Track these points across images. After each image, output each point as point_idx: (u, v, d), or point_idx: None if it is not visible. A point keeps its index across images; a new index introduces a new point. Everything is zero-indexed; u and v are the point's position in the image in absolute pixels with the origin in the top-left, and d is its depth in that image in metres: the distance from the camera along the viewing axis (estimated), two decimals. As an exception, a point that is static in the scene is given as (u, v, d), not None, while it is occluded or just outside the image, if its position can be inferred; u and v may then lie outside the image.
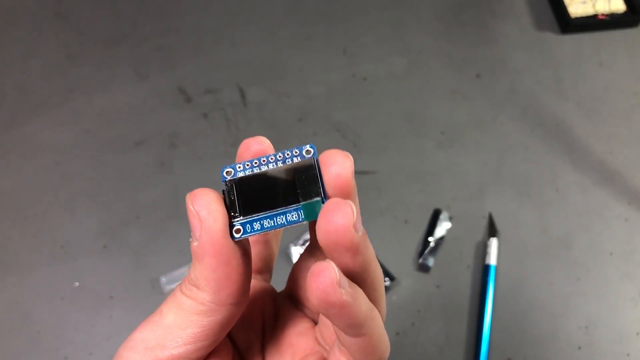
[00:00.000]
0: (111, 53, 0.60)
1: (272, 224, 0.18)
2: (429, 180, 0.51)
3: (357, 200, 0.19)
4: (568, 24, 0.59)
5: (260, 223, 0.18)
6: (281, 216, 0.18)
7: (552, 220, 0.48)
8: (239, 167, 0.19)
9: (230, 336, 0.22)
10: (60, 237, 0.48)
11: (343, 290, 0.16)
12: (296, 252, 0.46)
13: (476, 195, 0.50)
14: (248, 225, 0.18)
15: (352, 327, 0.17)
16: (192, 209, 0.17)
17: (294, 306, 0.23)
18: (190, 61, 0.59)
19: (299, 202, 0.18)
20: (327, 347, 0.21)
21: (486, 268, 0.45)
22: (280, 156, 0.19)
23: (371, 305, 0.18)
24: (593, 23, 0.59)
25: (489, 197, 0.50)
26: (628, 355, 0.43)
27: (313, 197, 0.18)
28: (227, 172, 0.19)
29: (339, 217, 0.16)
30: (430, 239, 0.47)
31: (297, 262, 0.22)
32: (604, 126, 0.54)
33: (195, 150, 0.53)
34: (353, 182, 0.18)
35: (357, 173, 0.50)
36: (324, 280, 0.16)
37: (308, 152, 0.18)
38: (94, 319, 0.45)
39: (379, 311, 0.19)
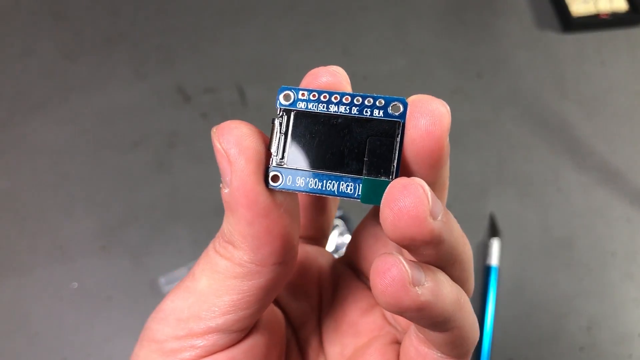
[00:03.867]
0: (109, 52, 0.59)
1: (320, 187, 0.14)
2: (429, 180, 0.50)
3: (447, 168, 0.15)
4: (570, 23, 0.59)
5: (305, 180, 0.14)
6: (333, 182, 0.14)
7: (553, 221, 0.48)
8: (302, 94, 0.14)
9: (282, 308, 0.19)
10: (58, 238, 0.48)
11: (419, 290, 0.13)
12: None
13: (477, 196, 0.49)
14: (290, 177, 0.14)
15: (437, 325, 0.14)
16: (219, 146, 0.14)
17: (356, 276, 0.19)
18: (189, 60, 0.59)
19: (361, 174, 0.14)
20: (399, 327, 0.18)
21: (488, 269, 0.45)
22: (358, 100, 0.14)
23: (459, 292, 0.14)
24: (595, 22, 0.59)
25: (491, 197, 0.49)
26: (630, 356, 0.42)
27: (380, 175, 0.14)
28: (284, 96, 0.14)
29: (408, 206, 0.12)
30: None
31: (359, 226, 0.19)
32: (606, 126, 0.54)
33: (194, 150, 0.53)
34: (447, 145, 0.14)
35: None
36: (393, 282, 0.12)
37: (396, 108, 0.14)
38: (93, 320, 0.44)
39: (468, 291, 0.16)
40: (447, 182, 0.16)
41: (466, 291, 0.15)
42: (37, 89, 0.57)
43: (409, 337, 0.16)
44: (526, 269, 0.46)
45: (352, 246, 0.19)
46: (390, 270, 0.12)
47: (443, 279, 0.14)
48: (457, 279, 0.15)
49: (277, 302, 0.19)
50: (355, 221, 0.47)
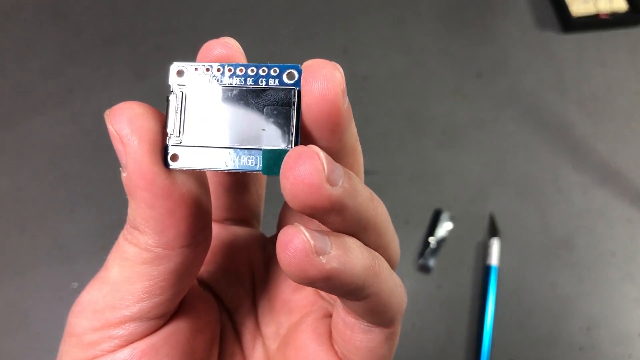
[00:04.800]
0: (110, 52, 0.59)
1: (220, 163, 0.13)
2: (429, 180, 0.50)
3: (353, 128, 0.14)
4: (570, 23, 0.59)
5: (205, 156, 0.13)
6: (233, 156, 0.13)
7: (553, 221, 0.48)
8: (195, 68, 0.14)
9: (214, 292, 0.18)
10: (58, 238, 0.48)
11: (323, 259, 0.12)
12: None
13: (477, 196, 0.49)
14: (189, 155, 0.13)
15: (350, 293, 0.13)
16: (112, 128, 0.13)
17: None
18: (189, 60, 0.59)
19: (261, 146, 0.13)
20: (332, 301, 0.18)
21: (487, 269, 0.45)
22: (252, 71, 0.14)
23: (371, 257, 0.14)
24: (595, 22, 0.59)
25: (490, 197, 0.49)
26: (630, 356, 0.42)
27: (278, 144, 0.13)
28: (177, 72, 0.14)
29: (303, 174, 0.12)
30: (431, 239, 0.47)
31: (285, 203, 0.18)
32: (606, 126, 0.54)
33: (194, 150, 0.53)
34: (345, 106, 0.13)
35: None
36: (295, 253, 0.12)
37: (291, 76, 0.13)
38: (93, 320, 0.44)
39: (389, 257, 0.15)
40: (359, 147, 0.15)
41: (387, 258, 0.15)
42: (37, 89, 0.57)
43: (336, 309, 0.16)
44: (526, 269, 0.46)
45: (281, 222, 0.19)
46: (292, 241, 0.12)
47: (353, 245, 0.13)
48: (374, 244, 0.14)
49: (209, 287, 0.18)
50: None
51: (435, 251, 0.46)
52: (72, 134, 0.54)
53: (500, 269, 0.45)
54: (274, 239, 0.19)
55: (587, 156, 0.52)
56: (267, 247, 0.20)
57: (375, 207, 0.14)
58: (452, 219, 0.48)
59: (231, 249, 0.19)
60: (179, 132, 0.13)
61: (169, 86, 0.14)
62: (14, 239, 0.48)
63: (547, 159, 0.52)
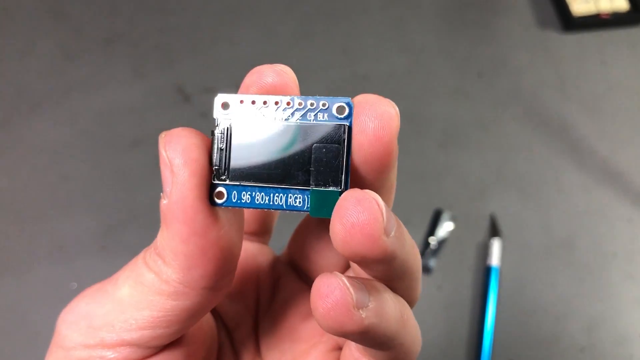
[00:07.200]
0: (109, 52, 0.59)
1: (267, 201, 0.13)
2: (430, 181, 0.50)
3: (395, 171, 0.13)
4: (570, 23, 0.59)
5: (251, 195, 0.13)
6: (281, 195, 0.13)
7: (554, 221, 0.48)
8: (241, 101, 0.13)
9: (215, 308, 0.17)
10: (57, 238, 0.48)
11: (363, 313, 0.12)
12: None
13: (478, 196, 0.49)
14: (235, 192, 0.13)
15: (379, 344, 0.13)
16: (165, 154, 0.12)
17: (297, 277, 0.18)
18: (189, 60, 0.59)
19: (309, 186, 0.13)
20: None
21: (488, 269, 0.45)
22: (300, 104, 0.13)
23: (403, 307, 0.13)
24: (596, 22, 0.59)
25: (491, 197, 0.49)
26: (631, 356, 0.42)
27: (328, 185, 0.12)
28: (222, 104, 0.13)
29: (362, 223, 0.11)
30: (432, 239, 0.46)
31: (302, 222, 0.17)
32: (607, 125, 0.53)
33: (194, 150, 0.52)
34: (396, 148, 0.13)
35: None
36: (335, 306, 0.11)
37: (341, 110, 0.13)
38: (92, 320, 0.44)
39: (413, 299, 0.15)
40: (395, 184, 0.15)
41: (412, 300, 0.15)
42: (37, 89, 0.57)
43: (348, 345, 0.15)
44: (527, 269, 0.46)
45: (294, 243, 0.18)
46: (333, 293, 0.11)
47: (386, 296, 0.13)
48: (405, 289, 0.14)
49: None
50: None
51: (435, 251, 0.46)
52: (72, 133, 0.54)
53: (501, 269, 0.45)
54: (284, 257, 0.19)
55: (588, 156, 0.52)
56: (276, 266, 0.19)
57: (415, 254, 0.14)
58: (452, 219, 0.48)
59: (239, 266, 0.18)
60: (225, 169, 0.13)
61: (215, 120, 0.13)
62: (14, 239, 0.48)
63: (547, 159, 0.51)
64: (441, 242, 0.46)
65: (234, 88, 0.61)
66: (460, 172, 0.51)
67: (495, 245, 0.46)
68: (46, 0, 0.63)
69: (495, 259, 0.45)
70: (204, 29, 0.61)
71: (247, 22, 0.61)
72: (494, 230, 0.47)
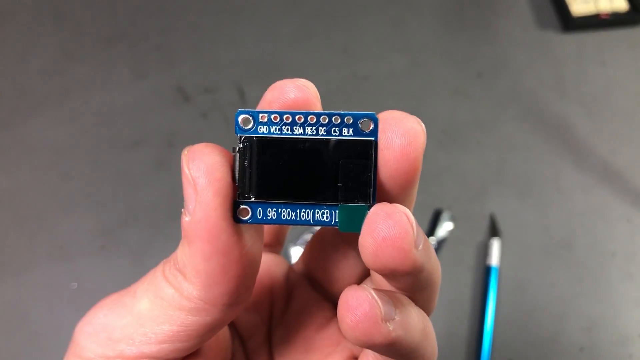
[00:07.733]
0: (109, 52, 0.59)
1: (294, 217, 0.13)
2: (429, 180, 0.50)
3: (416, 187, 0.14)
4: (570, 23, 0.59)
5: (276, 212, 0.13)
6: (307, 211, 0.13)
7: (554, 221, 0.48)
8: (263, 117, 0.13)
9: None
10: (58, 238, 0.48)
11: (390, 325, 0.12)
12: (296, 253, 0.46)
13: (478, 196, 0.49)
14: (260, 209, 0.13)
15: (402, 356, 0.13)
16: (188, 172, 0.12)
17: (312, 287, 0.18)
18: (189, 60, 0.59)
19: (337, 201, 0.13)
20: None
21: (488, 269, 0.45)
22: (324, 119, 0.13)
23: (424, 319, 0.14)
24: (595, 22, 0.59)
25: (491, 197, 0.49)
26: (630, 356, 0.42)
27: (357, 200, 0.13)
28: (243, 121, 0.13)
29: (393, 237, 0.11)
30: (431, 239, 0.46)
31: (318, 232, 0.17)
32: (607, 126, 0.53)
33: (194, 150, 0.52)
34: (421, 164, 0.13)
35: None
36: (364, 319, 0.11)
37: (366, 125, 0.13)
38: (92, 320, 0.44)
39: (430, 311, 0.15)
40: (415, 196, 0.15)
41: (429, 311, 0.15)
42: (37, 89, 0.57)
43: (365, 354, 0.15)
44: (526, 269, 0.46)
45: (309, 254, 0.18)
46: (361, 306, 0.12)
47: (410, 308, 0.13)
48: (425, 300, 0.14)
49: None
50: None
51: (435, 251, 0.46)
52: (72, 133, 0.54)
53: (500, 269, 0.45)
54: (298, 267, 0.19)
55: (588, 156, 0.52)
56: (290, 277, 0.19)
57: (438, 266, 0.14)
58: (452, 219, 0.48)
59: None
60: (249, 187, 0.13)
61: (238, 137, 0.13)
62: (13, 238, 0.48)
63: (547, 159, 0.51)
64: (441, 242, 0.47)
65: (234, 88, 0.60)
66: (459, 172, 0.51)
67: (495, 245, 0.46)
68: (46, 1, 0.64)
69: (494, 259, 0.45)
70: (204, 29, 0.61)
71: (247, 22, 0.61)
72: (494, 230, 0.47)
